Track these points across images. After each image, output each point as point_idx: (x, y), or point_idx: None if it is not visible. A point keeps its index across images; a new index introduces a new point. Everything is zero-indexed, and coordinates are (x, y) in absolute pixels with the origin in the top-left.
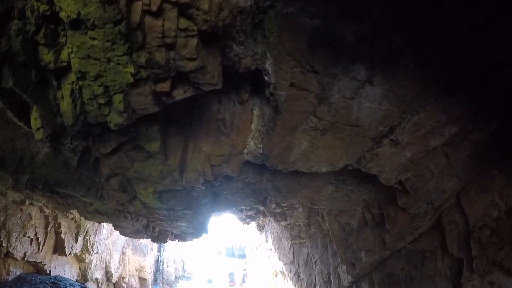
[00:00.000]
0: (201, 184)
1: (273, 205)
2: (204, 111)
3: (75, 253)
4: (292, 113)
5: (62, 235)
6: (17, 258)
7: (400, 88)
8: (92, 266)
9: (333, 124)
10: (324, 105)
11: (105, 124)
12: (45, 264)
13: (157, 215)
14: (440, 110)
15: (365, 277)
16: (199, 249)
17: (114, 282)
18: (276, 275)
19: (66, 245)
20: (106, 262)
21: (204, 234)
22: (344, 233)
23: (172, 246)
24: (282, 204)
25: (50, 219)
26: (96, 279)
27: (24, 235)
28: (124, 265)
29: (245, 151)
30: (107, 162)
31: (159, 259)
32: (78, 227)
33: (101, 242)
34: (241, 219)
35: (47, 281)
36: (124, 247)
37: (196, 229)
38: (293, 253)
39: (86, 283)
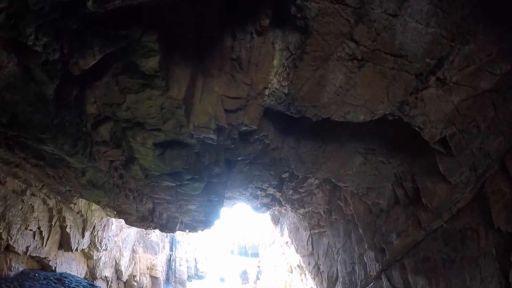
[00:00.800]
0: (213, 133)
1: (290, 191)
2: (216, 47)
3: (82, 249)
4: (325, 36)
5: (68, 230)
6: (19, 252)
7: (449, 4)
8: (101, 264)
9: (373, 53)
10: (363, 23)
11: (83, 10)
12: (50, 260)
13: (162, 194)
14: (491, 40)
15: (396, 264)
16: (212, 248)
17: (124, 281)
18: (292, 271)
19: (72, 240)
20: (115, 260)
21: (217, 221)
22: (371, 215)
23: (184, 245)
24: (300, 190)
25: (54, 212)
26: (106, 277)
27: (26, 228)
28: (135, 263)
29: (267, 92)
30: (93, 95)
31: (171, 258)
32: (84, 221)
33: (110, 238)
34: (256, 208)
35: (52, 278)
36: (134, 245)
37: (207, 215)
38: (311, 244)
39: (95, 281)
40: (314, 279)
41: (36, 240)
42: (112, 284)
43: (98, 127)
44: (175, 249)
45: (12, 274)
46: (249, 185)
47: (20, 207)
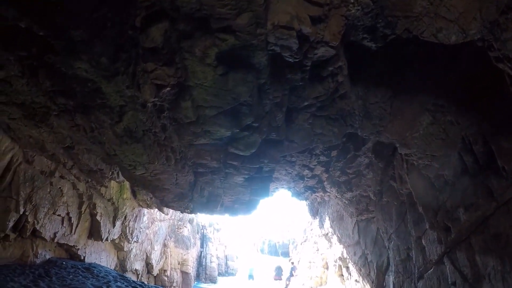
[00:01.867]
0: (295, 37)
1: (338, 173)
2: None
3: (113, 240)
4: None
5: (98, 217)
6: (46, 238)
7: None
8: (132, 256)
9: None
10: None
11: None
12: (78, 249)
13: (208, 158)
14: None
15: (460, 245)
16: (242, 246)
17: (155, 275)
18: (327, 268)
19: (102, 228)
20: (146, 253)
21: (262, 200)
22: (433, 190)
23: (215, 243)
24: (348, 171)
25: (85, 198)
26: (136, 270)
27: (54, 213)
28: (166, 258)
29: None
30: None
31: (202, 254)
32: (115, 210)
33: (141, 230)
34: (298, 194)
35: (80, 267)
36: (166, 239)
37: (253, 192)
38: (358, 232)
39: (124, 274)
40: (360, 270)
41: (65, 227)
42: (142, 278)
43: (149, 28)
44: (206, 246)
45: (38, 261)
46: (308, 147)
47: (48, 190)
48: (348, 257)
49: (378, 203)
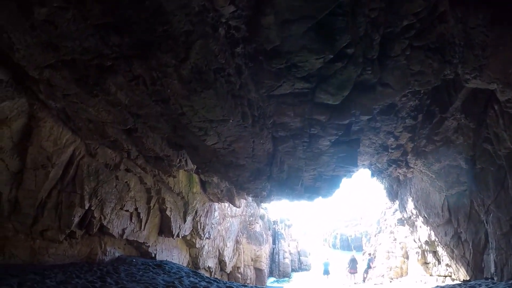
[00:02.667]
0: None
1: (423, 142)
2: None
3: (184, 236)
4: None
5: (168, 213)
6: (114, 234)
7: None
8: (204, 253)
9: None
10: None
11: None
12: (149, 246)
13: (291, 113)
14: None
15: None
16: (313, 242)
17: (228, 272)
18: (407, 257)
19: (173, 224)
20: (219, 250)
21: (353, 172)
22: None
23: (287, 239)
24: (435, 138)
25: (153, 193)
26: (209, 267)
27: (121, 208)
28: (239, 254)
29: None
30: None
31: (274, 251)
32: (185, 204)
33: (213, 226)
34: (378, 172)
35: (151, 264)
36: (238, 235)
37: (339, 161)
38: (448, 209)
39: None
40: (453, 252)
41: (133, 223)
42: (215, 276)
43: None
44: (278, 242)
45: (107, 259)
46: (405, 89)
47: (114, 184)
48: (437, 239)
49: (471, 172)
